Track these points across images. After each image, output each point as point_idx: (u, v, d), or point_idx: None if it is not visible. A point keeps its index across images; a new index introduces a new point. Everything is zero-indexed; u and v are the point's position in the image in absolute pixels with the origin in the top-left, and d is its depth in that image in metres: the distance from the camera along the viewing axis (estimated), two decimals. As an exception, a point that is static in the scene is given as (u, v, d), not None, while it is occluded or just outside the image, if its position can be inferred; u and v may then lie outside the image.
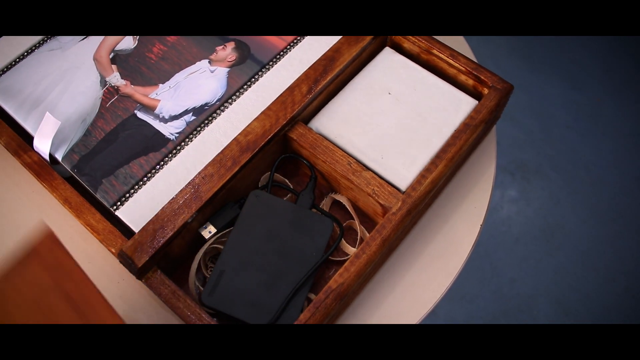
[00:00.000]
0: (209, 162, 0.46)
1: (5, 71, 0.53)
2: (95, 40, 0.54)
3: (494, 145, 0.56)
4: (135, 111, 0.51)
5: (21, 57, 0.54)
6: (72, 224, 0.51)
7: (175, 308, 0.42)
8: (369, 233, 0.47)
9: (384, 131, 0.50)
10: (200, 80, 0.52)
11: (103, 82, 0.52)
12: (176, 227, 0.44)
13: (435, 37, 0.54)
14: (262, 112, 0.49)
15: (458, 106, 0.51)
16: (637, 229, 1.19)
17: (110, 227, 0.45)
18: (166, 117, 0.50)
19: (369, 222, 0.50)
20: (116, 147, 0.49)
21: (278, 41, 0.54)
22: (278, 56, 0.54)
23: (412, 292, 0.49)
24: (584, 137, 1.30)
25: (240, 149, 0.47)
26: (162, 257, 0.44)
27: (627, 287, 1.13)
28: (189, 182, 0.46)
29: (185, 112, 0.51)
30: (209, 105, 0.51)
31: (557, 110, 1.33)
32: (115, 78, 0.52)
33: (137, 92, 0.52)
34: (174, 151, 0.49)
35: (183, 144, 0.49)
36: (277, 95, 0.50)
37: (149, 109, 0.51)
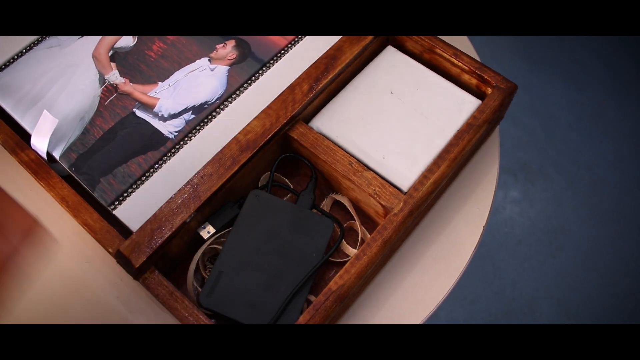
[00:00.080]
0: (208, 161, 0.46)
1: (3, 68, 0.53)
2: (94, 38, 0.54)
3: (497, 146, 0.55)
4: (134, 109, 0.50)
5: (19, 54, 0.53)
6: (69, 223, 0.50)
7: (173, 309, 0.41)
8: (370, 234, 0.47)
9: (386, 131, 0.49)
10: (200, 78, 0.52)
11: (102, 79, 0.52)
12: (174, 227, 0.43)
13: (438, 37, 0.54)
14: (263, 111, 0.48)
15: (461, 106, 0.50)
16: (639, 230, 1.19)
17: (108, 227, 0.44)
18: (165, 116, 0.50)
19: (370, 222, 0.50)
20: (114, 146, 0.48)
21: (279, 39, 0.54)
22: (279, 54, 0.53)
23: (413, 294, 0.48)
24: (585, 138, 1.30)
25: (240, 148, 0.46)
26: (160, 257, 0.44)
27: (628, 287, 1.13)
28: (187, 182, 0.45)
29: (185, 111, 0.50)
30: (208, 103, 0.50)
31: (559, 110, 1.33)
32: (114, 76, 0.52)
33: (136, 90, 0.51)
34: (173, 150, 0.48)
35: (182, 142, 0.49)
36: (278, 94, 0.49)
37: (148, 107, 0.50)
